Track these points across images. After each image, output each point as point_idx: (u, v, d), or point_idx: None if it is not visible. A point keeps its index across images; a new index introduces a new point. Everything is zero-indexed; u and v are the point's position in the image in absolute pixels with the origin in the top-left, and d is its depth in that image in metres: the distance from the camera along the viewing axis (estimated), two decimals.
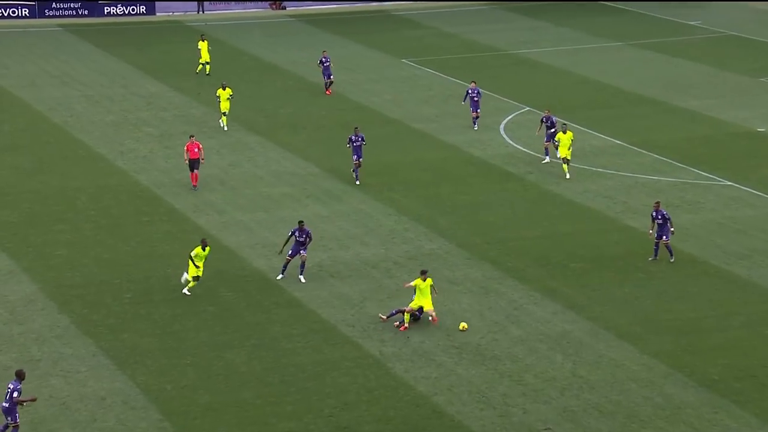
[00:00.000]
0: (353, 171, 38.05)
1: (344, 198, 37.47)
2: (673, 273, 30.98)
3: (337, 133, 43.76)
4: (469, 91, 44.30)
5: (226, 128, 43.40)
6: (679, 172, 39.26)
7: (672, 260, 31.33)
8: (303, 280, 30.48)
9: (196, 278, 29.62)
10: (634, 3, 69.76)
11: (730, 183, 38.15)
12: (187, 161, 37.24)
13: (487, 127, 45.02)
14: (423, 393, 25.22)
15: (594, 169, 39.98)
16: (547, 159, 39.75)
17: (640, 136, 43.68)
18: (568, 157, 38.18)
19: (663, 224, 31.35)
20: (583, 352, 26.92)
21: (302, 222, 30.77)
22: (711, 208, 35.78)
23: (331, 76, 49.21)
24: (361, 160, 38.02)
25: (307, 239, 30.47)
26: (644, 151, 41.77)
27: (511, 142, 43.67)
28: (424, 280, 28.10)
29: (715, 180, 38.40)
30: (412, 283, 28.35)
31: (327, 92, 49.23)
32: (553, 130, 39.50)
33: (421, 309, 28.07)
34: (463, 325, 28.02)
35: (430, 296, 28.08)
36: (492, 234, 34.51)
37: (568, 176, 38.04)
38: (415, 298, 28.13)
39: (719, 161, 40.35)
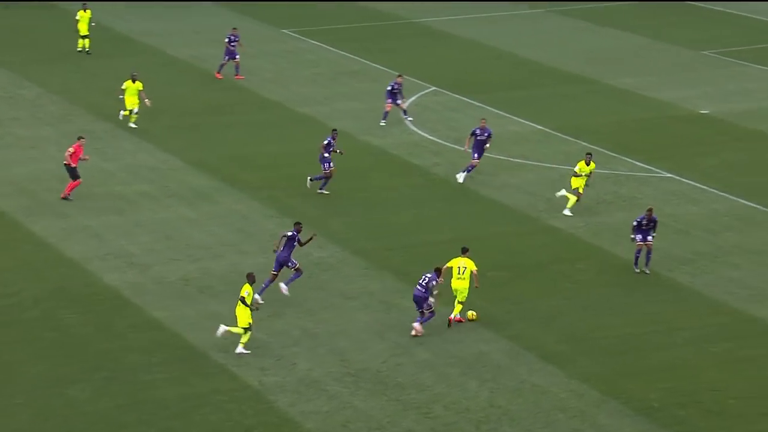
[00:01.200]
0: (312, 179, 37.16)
1: (215, 197, 37.11)
2: (605, 282, 31.42)
3: (205, 120, 43.29)
4: (395, 86, 43.32)
5: (135, 126, 42.39)
6: (611, 162, 39.87)
7: (648, 271, 31.67)
8: (285, 292, 30.06)
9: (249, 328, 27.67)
10: None
11: (669, 175, 38.91)
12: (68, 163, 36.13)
13: (381, 111, 45.07)
14: (312, 431, 25.08)
15: (513, 159, 40.37)
16: (461, 177, 37.53)
17: (565, 120, 44.28)
18: (581, 190, 35.40)
19: (649, 228, 31.67)
20: (501, 377, 27.11)
21: (299, 223, 30.41)
22: (649, 204, 36.39)
23: (237, 57, 48.55)
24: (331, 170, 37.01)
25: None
26: (571, 138, 42.34)
27: (415, 128, 43.81)
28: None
29: (652, 172, 39.12)
30: (448, 264, 28.90)
31: (217, 75, 48.69)
32: (488, 145, 37.62)
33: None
34: (471, 314, 28.81)
35: (468, 281, 28.87)
36: (394, 238, 34.53)
37: (568, 213, 35.20)
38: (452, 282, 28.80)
39: (657, 149, 41.11)
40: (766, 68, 49.70)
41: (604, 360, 27.79)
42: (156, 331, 28.90)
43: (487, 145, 37.71)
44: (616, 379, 26.93)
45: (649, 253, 31.77)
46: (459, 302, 29.42)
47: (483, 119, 38.00)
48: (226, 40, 48.61)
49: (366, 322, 29.58)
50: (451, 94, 47.34)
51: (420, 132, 43.34)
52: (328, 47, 53.98)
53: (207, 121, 43.29)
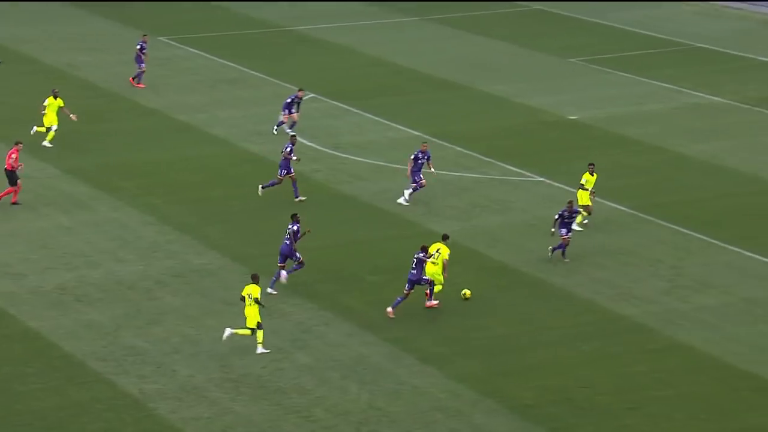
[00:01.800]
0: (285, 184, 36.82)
1: (92, 205, 36.50)
2: (481, 284, 31.67)
3: (81, 127, 42.53)
4: (295, 99, 42.95)
5: (50, 145, 41.07)
6: (485, 167, 40.25)
7: (567, 260, 32.49)
8: (284, 280, 30.57)
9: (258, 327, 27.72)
10: None
11: (541, 179, 39.42)
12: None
13: (264, 117, 44.88)
14: None
15: (391, 165, 40.49)
16: (405, 198, 36.85)
17: (440, 126, 44.57)
18: (590, 204, 34.76)
19: (571, 221, 32.43)
20: (381, 379, 27.12)
21: (296, 215, 31.12)
22: (521, 208, 36.84)
23: (143, 66, 47.79)
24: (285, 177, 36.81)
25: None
26: (446, 144, 42.63)
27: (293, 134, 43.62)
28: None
29: (525, 176, 39.59)
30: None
31: (135, 83, 47.94)
32: (433, 169, 36.79)
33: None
34: (466, 292, 29.71)
35: (440, 266, 29.55)
36: (273, 245, 34.27)
37: (578, 227, 34.31)
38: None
39: (529, 154, 41.63)
40: (628, 75, 50.71)
41: (480, 360, 28.00)
42: (31, 341, 28.29)
43: (432, 169, 36.92)
44: (491, 379, 27.16)
45: (566, 246, 32.40)
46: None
47: (425, 143, 37.46)
48: (138, 47, 47.93)
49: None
50: (329, 101, 47.32)
51: (300, 139, 43.19)
52: (205, 55, 53.55)
53: (83, 129, 42.54)
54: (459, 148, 42.01)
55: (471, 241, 34.36)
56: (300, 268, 31.17)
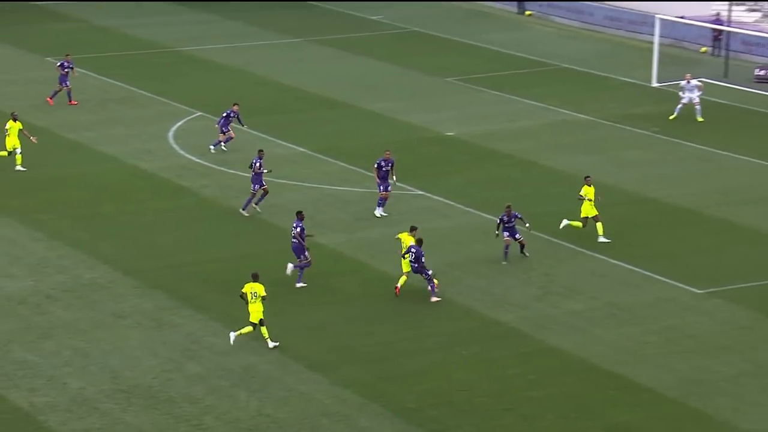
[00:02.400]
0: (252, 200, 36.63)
1: None
2: (366, 294, 31.74)
3: None
4: (232, 114, 42.61)
5: (23, 168, 40.08)
6: (369, 181, 40.35)
7: (527, 254, 33.37)
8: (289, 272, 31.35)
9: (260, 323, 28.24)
10: None
11: (421, 192, 39.68)
12: None
13: (153, 135, 44.40)
14: None
15: (278, 180, 40.36)
16: (380, 212, 36.52)
17: (326, 142, 44.58)
18: (590, 214, 34.70)
19: (512, 225, 33.20)
20: (270, 387, 26.99)
21: (300, 212, 31.78)
22: (403, 220, 37.00)
23: (68, 84, 47.01)
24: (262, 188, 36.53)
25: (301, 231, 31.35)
26: (331, 159, 42.66)
27: (182, 152, 43.29)
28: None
29: (405, 189, 39.82)
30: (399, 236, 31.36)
31: (68, 101, 47.28)
32: (394, 178, 36.47)
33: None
34: (403, 278, 30.63)
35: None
36: (165, 258, 33.96)
37: (603, 239, 34.44)
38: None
39: (409, 169, 41.84)
40: (501, 94, 51.37)
41: (365, 366, 28.05)
42: None
43: (393, 178, 36.72)
44: (376, 384, 27.22)
45: (522, 247, 33.41)
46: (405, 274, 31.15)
47: (387, 151, 37.21)
48: (59, 65, 46.98)
49: (138, 339, 28.96)
50: (216, 118, 46.96)
51: (188, 156, 42.84)
52: (93, 74, 52.75)
53: None
54: (343, 164, 42.08)
55: (356, 252, 34.42)
56: (308, 265, 31.53)
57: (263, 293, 28.27)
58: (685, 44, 58.60)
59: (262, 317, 28.36)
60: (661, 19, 53.70)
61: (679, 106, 46.75)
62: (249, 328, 28.44)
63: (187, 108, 48.45)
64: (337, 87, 52.07)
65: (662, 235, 35.93)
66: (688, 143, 44.13)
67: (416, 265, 31.05)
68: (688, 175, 41.34)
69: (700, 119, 46.21)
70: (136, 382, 26.83)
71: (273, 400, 26.37)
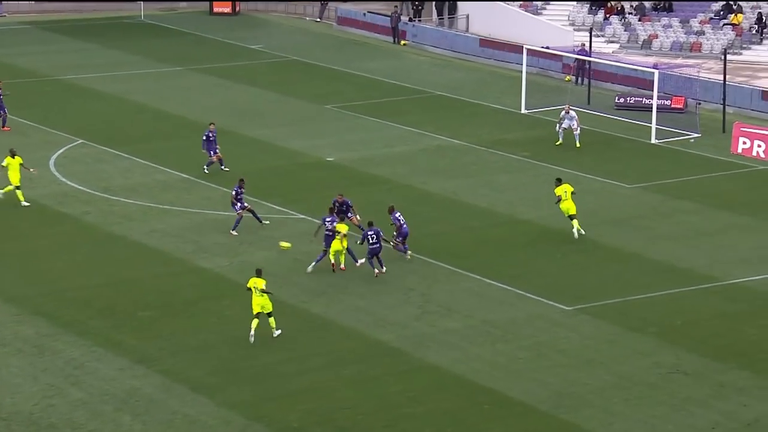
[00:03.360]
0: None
1: None
2: (249, 317, 31.46)
3: None
4: (210, 135, 42.24)
5: (26, 203, 38.84)
6: (251, 205, 40.08)
7: (408, 257, 34.74)
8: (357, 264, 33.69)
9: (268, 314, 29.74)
10: (190, 24, 70.87)
11: (303, 216, 39.59)
12: None
13: (35, 162, 43.40)
14: None
15: (160, 206, 39.83)
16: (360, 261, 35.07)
17: (208, 168, 44.18)
18: (573, 212, 36.53)
19: (401, 226, 34.26)
20: (154, 410, 26.50)
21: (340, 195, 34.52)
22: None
23: (5, 110, 45.97)
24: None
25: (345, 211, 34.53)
26: (213, 185, 42.28)
27: (63, 179, 42.43)
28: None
29: (288, 213, 39.67)
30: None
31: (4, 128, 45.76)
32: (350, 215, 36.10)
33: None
34: (284, 244, 31.41)
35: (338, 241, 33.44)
36: (47, 285, 33.18)
37: (576, 234, 36.50)
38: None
39: (291, 193, 41.77)
40: (379, 120, 51.67)
41: (249, 387, 27.77)
42: None
43: (357, 217, 36.21)
44: (260, 404, 26.96)
45: (401, 248, 34.95)
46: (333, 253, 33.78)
47: (340, 194, 36.31)
48: None
49: (19, 366, 28.19)
50: (98, 146, 46.23)
51: (68, 182, 42.00)
52: None
53: None
54: (225, 189, 41.71)
55: (239, 275, 34.07)
56: (323, 257, 34.06)
57: (262, 287, 29.86)
58: (551, 73, 59.79)
59: (270, 309, 29.78)
60: (528, 49, 54.71)
61: (560, 131, 47.62)
62: (255, 321, 29.72)
63: (68, 136, 47.52)
64: (219, 114, 51.67)
65: (533, 254, 36.47)
66: (556, 167, 44.95)
67: (377, 245, 33.37)
68: (555, 198, 42.05)
69: (578, 145, 47.15)
70: (15, 409, 26.09)
71: (157, 423, 25.90)
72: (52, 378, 27.59)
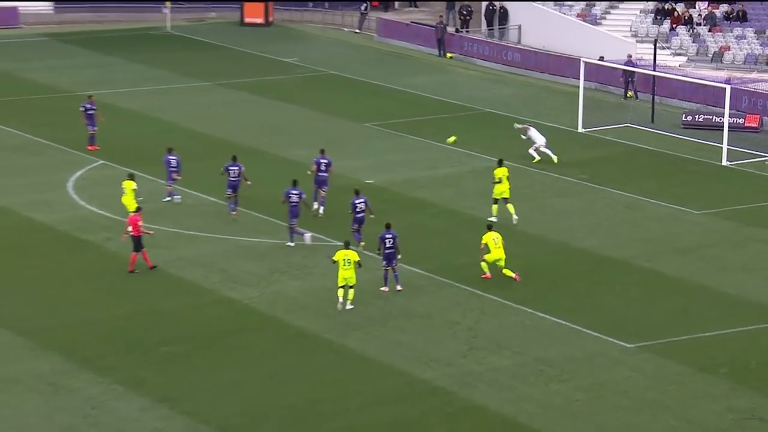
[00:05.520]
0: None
1: None
2: (282, 351, 31.60)
3: None
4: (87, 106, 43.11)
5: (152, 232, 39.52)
6: (283, 232, 40.30)
7: (400, 288, 35.15)
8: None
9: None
10: (220, 36, 71.48)
11: (339, 243, 39.64)
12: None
13: (51, 184, 43.92)
14: None
15: (186, 232, 40.14)
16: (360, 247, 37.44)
17: (239, 192, 44.39)
18: (507, 196, 40.14)
19: (393, 248, 34.84)
20: None
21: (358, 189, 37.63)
22: (321, 273, 36.94)
23: None
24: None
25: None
26: (243, 210, 42.54)
27: (83, 203, 42.87)
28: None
29: (324, 240, 39.84)
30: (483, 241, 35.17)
31: None
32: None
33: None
34: (451, 139, 32.88)
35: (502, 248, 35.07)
36: (64, 317, 33.50)
37: (514, 220, 40.07)
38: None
39: (325, 218, 41.95)
40: (421, 139, 51.78)
41: (283, 427, 27.82)
42: None
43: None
44: None
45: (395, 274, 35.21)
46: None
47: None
48: None
49: (34, 405, 28.45)
50: (120, 167, 46.66)
51: (89, 206, 42.44)
52: None
53: None
54: (256, 214, 41.97)
55: (270, 307, 34.27)
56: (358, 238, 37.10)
57: (357, 258, 32.97)
58: (610, 88, 59.67)
59: (354, 283, 32.69)
60: (586, 63, 54.67)
61: (532, 150, 48.02)
62: (341, 291, 32.93)
63: (88, 156, 48.04)
64: (250, 133, 52.05)
65: (591, 286, 36.37)
66: (616, 191, 44.83)
67: (393, 250, 34.58)
68: (616, 224, 41.97)
69: (537, 160, 47.76)
70: None
71: None
72: (69, 418, 27.83)
